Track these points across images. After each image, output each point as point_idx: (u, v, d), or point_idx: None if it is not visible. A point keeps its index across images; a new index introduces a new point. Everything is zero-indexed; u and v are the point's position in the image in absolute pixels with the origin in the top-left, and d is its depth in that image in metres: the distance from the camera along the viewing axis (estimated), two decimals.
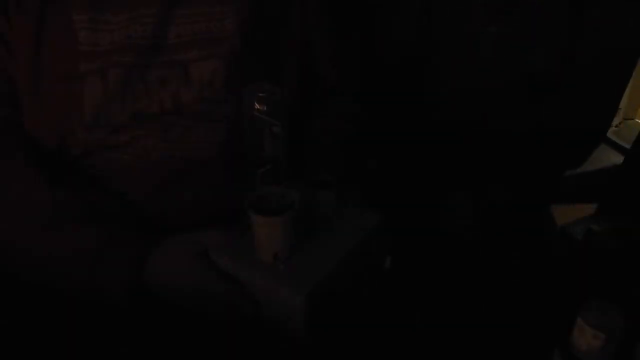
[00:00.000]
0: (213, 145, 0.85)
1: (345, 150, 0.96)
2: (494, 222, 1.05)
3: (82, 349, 0.75)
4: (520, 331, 0.77)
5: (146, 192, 0.83)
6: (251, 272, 0.72)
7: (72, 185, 0.80)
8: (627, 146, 1.44)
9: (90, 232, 0.77)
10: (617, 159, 1.47)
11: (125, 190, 0.83)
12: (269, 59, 0.90)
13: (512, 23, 1.02)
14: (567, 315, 0.69)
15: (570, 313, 0.68)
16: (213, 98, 0.85)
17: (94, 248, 0.75)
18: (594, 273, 0.85)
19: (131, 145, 0.82)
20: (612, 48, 1.02)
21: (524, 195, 1.10)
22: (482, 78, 1.07)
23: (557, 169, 1.14)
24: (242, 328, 0.73)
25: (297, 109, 0.93)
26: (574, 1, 1.00)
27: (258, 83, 0.74)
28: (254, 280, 0.72)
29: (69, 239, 0.77)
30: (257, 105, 0.72)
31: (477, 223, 1.06)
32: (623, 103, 2.21)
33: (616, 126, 1.99)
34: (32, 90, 0.80)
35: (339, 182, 0.80)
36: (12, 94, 0.81)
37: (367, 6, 1.14)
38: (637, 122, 2.30)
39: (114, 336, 0.76)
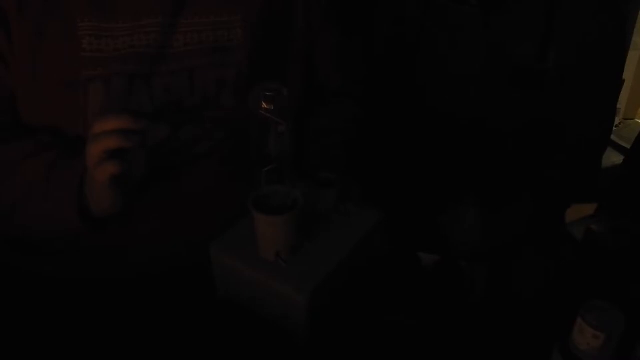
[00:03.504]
0: (215, 145, 0.86)
1: (346, 149, 0.96)
2: (512, 241, 0.99)
3: (82, 348, 0.75)
4: (520, 331, 0.77)
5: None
6: (253, 270, 0.72)
7: None
8: (627, 146, 1.44)
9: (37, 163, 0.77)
10: (617, 159, 1.48)
11: None
12: (275, 64, 0.90)
13: (499, 15, 1.03)
14: (567, 315, 0.69)
15: (570, 313, 0.68)
16: (218, 102, 0.85)
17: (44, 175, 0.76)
18: (594, 273, 0.85)
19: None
20: (587, 45, 1.02)
21: (547, 208, 1.07)
22: (470, 67, 1.07)
23: (568, 178, 1.10)
24: (241, 327, 0.73)
25: (300, 109, 0.93)
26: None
27: (264, 82, 0.73)
28: (256, 278, 0.72)
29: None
30: (263, 105, 0.72)
31: (488, 242, 0.99)
32: (623, 103, 2.22)
33: (616, 126, 2.00)
34: (32, 98, 0.79)
35: (340, 181, 0.80)
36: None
37: (367, 6, 1.14)
38: (637, 122, 2.31)
39: (114, 335, 0.76)
